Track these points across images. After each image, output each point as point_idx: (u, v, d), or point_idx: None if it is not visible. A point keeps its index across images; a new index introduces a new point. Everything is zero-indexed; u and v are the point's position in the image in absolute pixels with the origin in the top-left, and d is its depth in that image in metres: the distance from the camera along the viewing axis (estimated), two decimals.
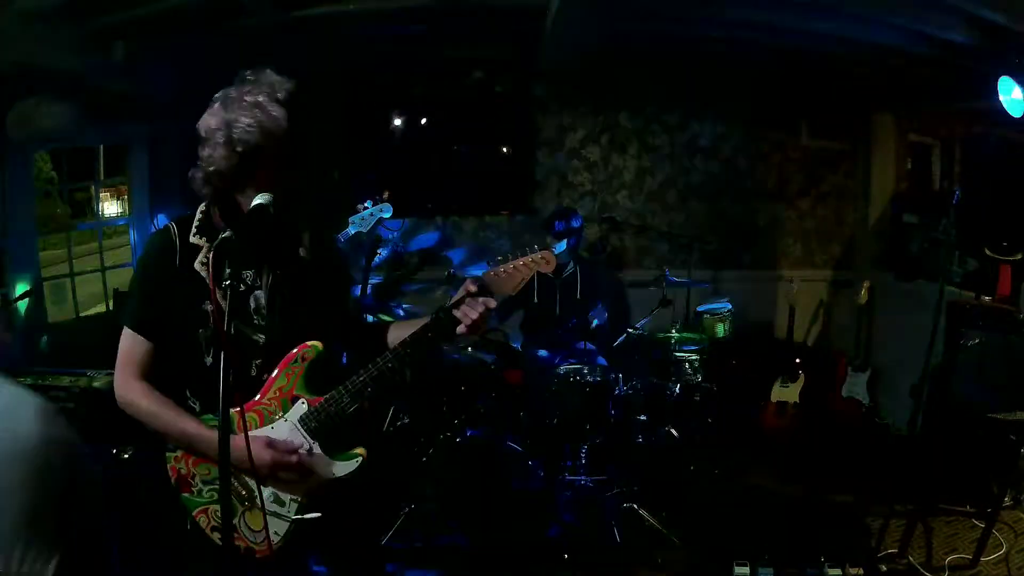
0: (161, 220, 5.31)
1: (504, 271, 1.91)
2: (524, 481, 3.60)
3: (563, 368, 4.03)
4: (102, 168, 5.41)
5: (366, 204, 3.73)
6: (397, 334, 2.02)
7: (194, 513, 1.87)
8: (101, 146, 5.22)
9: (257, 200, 1.66)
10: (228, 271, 1.52)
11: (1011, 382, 3.82)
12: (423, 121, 6.04)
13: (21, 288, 4.37)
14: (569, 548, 3.64)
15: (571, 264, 4.80)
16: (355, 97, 5.72)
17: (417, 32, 4.87)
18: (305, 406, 1.86)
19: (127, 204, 5.75)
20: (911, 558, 3.46)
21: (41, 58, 3.77)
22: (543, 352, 4.61)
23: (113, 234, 7.50)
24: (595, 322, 4.54)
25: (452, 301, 1.91)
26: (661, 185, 6.25)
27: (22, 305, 4.53)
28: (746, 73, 6.09)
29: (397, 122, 6.03)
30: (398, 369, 1.86)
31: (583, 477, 4.07)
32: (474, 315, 1.87)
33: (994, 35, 3.82)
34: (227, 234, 1.57)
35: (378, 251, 5.09)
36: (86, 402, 3.28)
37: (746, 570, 3.28)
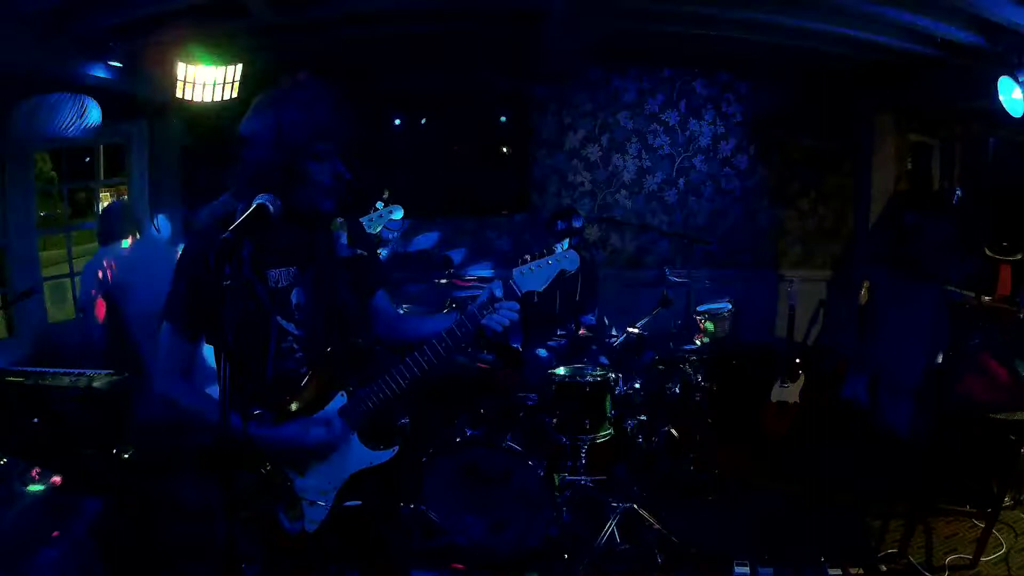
0: (160, 220, 5.31)
1: (531, 268, 1.96)
2: (524, 481, 3.60)
3: (563, 368, 4.03)
4: (102, 168, 5.41)
5: (376, 205, 3.74)
6: (425, 326, 2.07)
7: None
8: (101, 146, 5.22)
9: (258, 200, 1.70)
10: (228, 271, 1.53)
11: (1011, 382, 3.83)
12: (423, 121, 6.04)
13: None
14: (569, 548, 3.64)
15: None
16: (355, 97, 5.71)
17: (417, 32, 4.87)
18: (344, 398, 1.93)
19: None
20: (911, 558, 3.46)
21: (41, 58, 3.77)
22: (543, 352, 4.61)
23: None
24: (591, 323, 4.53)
25: (481, 302, 1.95)
26: (661, 185, 6.25)
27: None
28: (746, 73, 6.10)
29: (397, 122, 6.03)
30: (434, 362, 1.91)
31: (583, 477, 4.07)
32: (504, 323, 1.93)
33: (994, 35, 3.83)
34: (227, 235, 1.57)
35: (378, 251, 5.09)
36: (86, 402, 3.28)
37: (746, 570, 3.28)
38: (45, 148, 5.20)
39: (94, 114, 4.10)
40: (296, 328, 1.90)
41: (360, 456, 1.95)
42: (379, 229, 3.80)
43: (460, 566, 3.56)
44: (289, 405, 1.90)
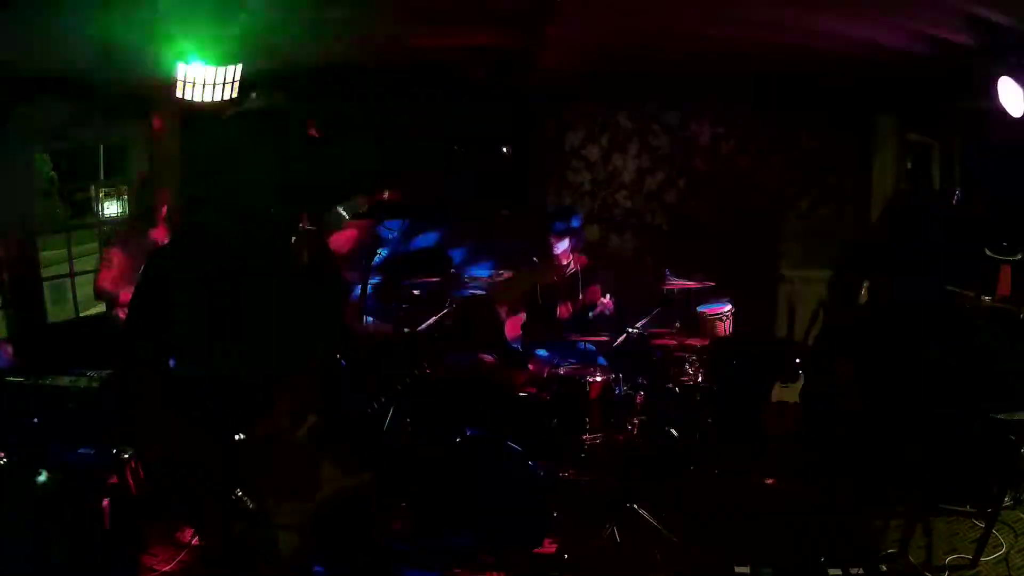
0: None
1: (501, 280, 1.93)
2: (523, 480, 3.60)
3: (563, 368, 4.03)
4: (102, 168, 5.41)
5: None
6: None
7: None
8: (101, 146, 5.22)
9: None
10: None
11: (1011, 382, 3.83)
12: (423, 121, 6.04)
13: None
14: (569, 548, 3.64)
15: (571, 264, 4.81)
16: (354, 97, 5.71)
17: (418, 31, 4.87)
18: (314, 417, 1.91)
19: (127, 204, 5.75)
20: (911, 558, 3.46)
21: (41, 58, 3.77)
22: (543, 352, 4.61)
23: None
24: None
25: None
26: (661, 185, 6.25)
27: None
28: (746, 73, 6.09)
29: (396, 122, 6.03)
30: (404, 391, 1.89)
31: (583, 477, 4.08)
32: None
33: (994, 35, 3.82)
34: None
35: (378, 251, 5.08)
36: (86, 402, 3.28)
37: (746, 570, 3.28)
38: (45, 148, 5.20)
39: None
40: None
41: (332, 477, 1.94)
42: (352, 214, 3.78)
43: (459, 569, 3.56)
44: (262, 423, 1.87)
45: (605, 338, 4.43)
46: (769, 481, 4.52)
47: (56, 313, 5.18)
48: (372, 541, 2.12)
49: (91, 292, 5.66)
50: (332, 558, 2.07)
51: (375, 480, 2.00)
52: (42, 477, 2.81)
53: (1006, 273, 4.28)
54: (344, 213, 3.75)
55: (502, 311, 5.03)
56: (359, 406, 3.79)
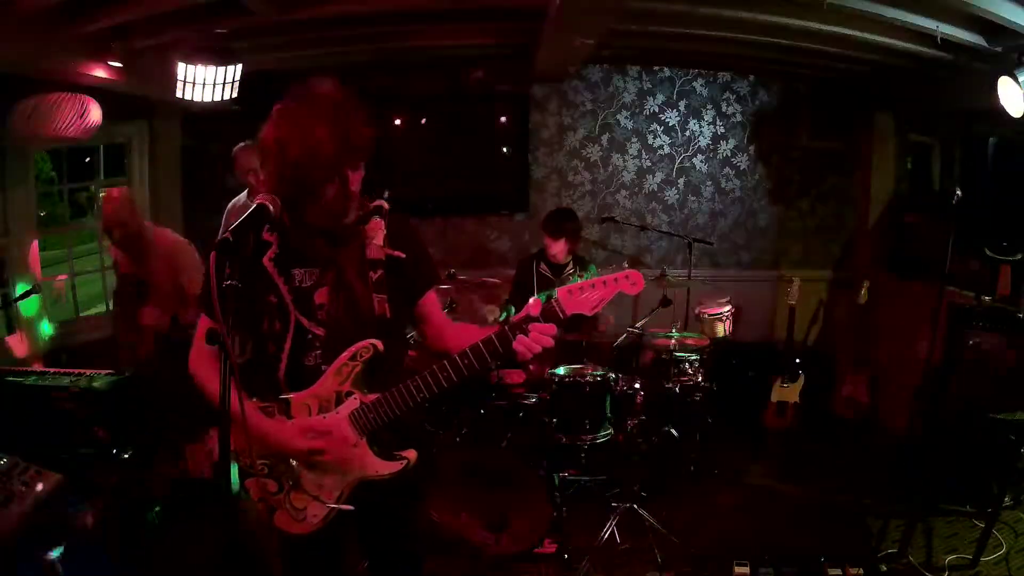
0: None
1: (580, 289, 1.78)
2: (524, 481, 3.60)
3: (563, 368, 4.03)
4: (102, 168, 5.41)
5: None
6: (459, 338, 2.00)
7: (245, 482, 1.95)
8: (101, 146, 5.22)
9: (258, 200, 1.69)
10: (228, 271, 1.53)
11: (1011, 382, 3.83)
12: (423, 121, 6.04)
13: (22, 288, 4.37)
14: (569, 548, 3.64)
15: (571, 264, 4.81)
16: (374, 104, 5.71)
17: (418, 32, 4.87)
18: (357, 402, 1.91)
19: None
20: (911, 558, 3.46)
21: (41, 58, 3.76)
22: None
23: None
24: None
25: (516, 319, 1.84)
26: (662, 186, 6.25)
27: (26, 305, 4.54)
28: (746, 73, 6.10)
29: (397, 122, 6.03)
30: (454, 379, 1.87)
31: (583, 477, 4.08)
32: (535, 350, 1.80)
33: (994, 35, 3.82)
34: (226, 235, 1.57)
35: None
36: (86, 402, 3.28)
37: (746, 570, 3.28)
38: (45, 148, 5.19)
39: (94, 114, 4.10)
40: (318, 327, 1.90)
41: (366, 463, 1.92)
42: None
43: (459, 568, 3.57)
44: (305, 399, 1.91)
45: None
46: (769, 481, 4.52)
47: (56, 313, 5.19)
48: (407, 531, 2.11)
49: (91, 292, 5.68)
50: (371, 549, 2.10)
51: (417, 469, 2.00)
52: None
53: (1006, 273, 4.28)
54: None
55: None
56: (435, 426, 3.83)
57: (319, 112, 1.74)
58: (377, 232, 1.95)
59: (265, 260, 1.89)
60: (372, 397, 1.91)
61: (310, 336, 1.90)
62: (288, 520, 1.94)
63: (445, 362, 1.87)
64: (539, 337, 1.79)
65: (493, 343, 1.82)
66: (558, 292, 1.78)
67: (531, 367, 4.32)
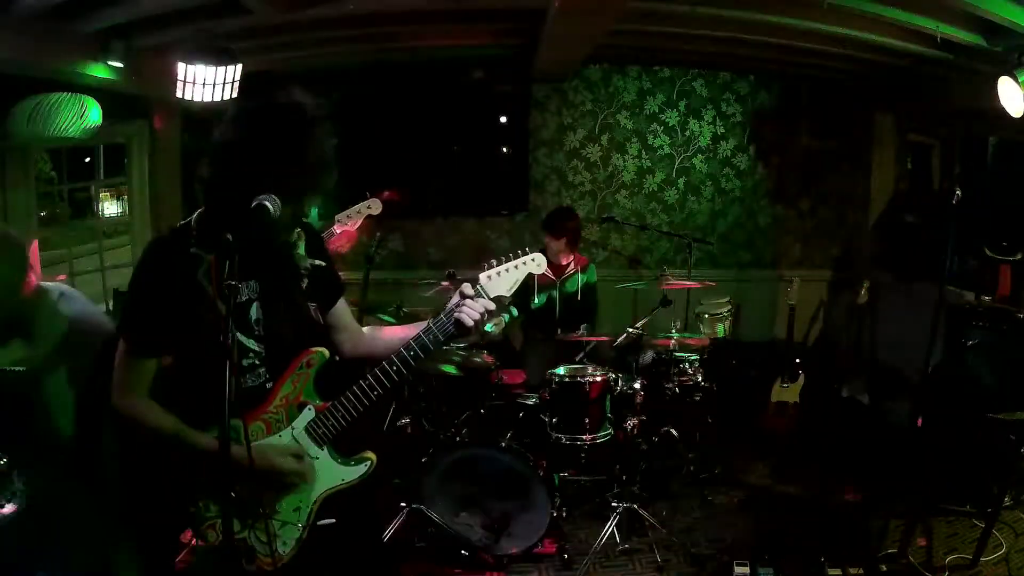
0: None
1: (497, 273, 1.95)
2: (524, 481, 3.60)
3: (563, 368, 4.03)
4: (102, 168, 5.41)
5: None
6: (396, 337, 2.04)
7: (203, 527, 1.84)
8: (101, 146, 5.22)
9: (259, 200, 1.63)
10: (228, 271, 1.52)
11: (1011, 382, 3.83)
12: (423, 121, 6.04)
13: None
14: (568, 548, 3.64)
15: (571, 265, 4.81)
16: (354, 96, 5.71)
17: (418, 32, 4.87)
18: (312, 412, 1.88)
19: (127, 204, 5.75)
20: (911, 558, 3.46)
21: (41, 58, 3.76)
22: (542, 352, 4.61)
23: (113, 234, 7.51)
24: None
25: (450, 305, 1.93)
26: (661, 185, 6.26)
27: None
28: (746, 73, 6.10)
29: (396, 122, 6.03)
30: (403, 372, 1.88)
31: (583, 477, 4.07)
32: (475, 316, 1.89)
33: (994, 35, 3.82)
34: (229, 235, 1.55)
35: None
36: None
37: (746, 570, 3.28)
38: (45, 148, 5.19)
39: (94, 114, 4.10)
40: (256, 344, 1.85)
41: (332, 473, 1.90)
42: (359, 226, 3.78)
43: (459, 568, 3.57)
44: (254, 421, 1.83)
45: (605, 337, 4.43)
46: (769, 481, 4.52)
47: None
48: (374, 539, 2.09)
49: (91, 292, 5.66)
50: (333, 556, 2.04)
51: (378, 478, 1.96)
52: None
53: (1006, 273, 4.28)
54: (346, 213, 3.74)
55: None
56: (437, 429, 3.82)
57: (283, 121, 1.69)
58: (299, 241, 1.94)
59: (199, 276, 1.78)
60: (325, 405, 1.88)
61: (251, 353, 1.84)
62: (254, 551, 1.83)
63: (393, 356, 1.88)
64: (473, 304, 1.89)
65: (432, 330, 1.90)
66: (480, 277, 1.94)
67: (502, 375, 4.29)
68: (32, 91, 3.96)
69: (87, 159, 5.45)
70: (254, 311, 1.85)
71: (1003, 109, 3.80)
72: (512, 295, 2.00)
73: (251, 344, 1.85)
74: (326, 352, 1.89)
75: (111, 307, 5.39)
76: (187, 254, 1.79)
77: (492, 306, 1.92)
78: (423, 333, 1.90)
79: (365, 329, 2.19)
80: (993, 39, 3.86)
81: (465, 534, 3.58)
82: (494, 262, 1.96)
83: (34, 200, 4.84)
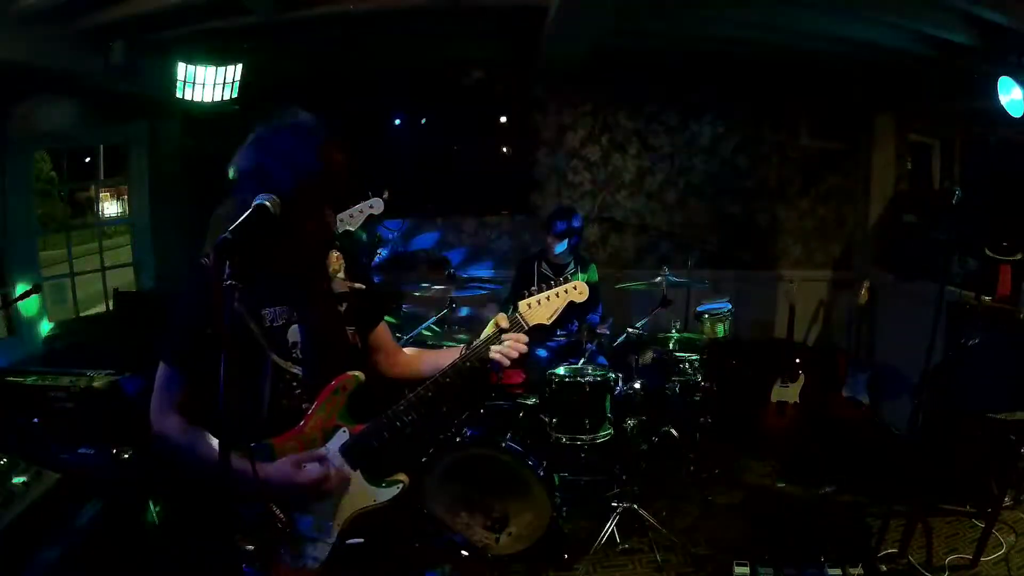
0: None
1: (537, 302, 1.97)
2: (524, 481, 3.60)
3: (563, 368, 4.03)
4: (102, 168, 5.41)
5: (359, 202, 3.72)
6: (433, 362, 2.07)
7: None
8: (101, 146, 5.22)
9: (258, 200, 1.62)
10: (228, 271, 1.51)
11: (1011, 382, 3.82)
12: (423, 121, 6.04)
13: (22, 288, 4.37)
14: (569, 548, 3.64)
15: (572, 264, 4.81)
16: (354, 96, 5.72)
17: (417, 32, 4.87)
18: (347, 435, 1.89)
19: (127, 204, 5.76)
20: (911, 558, 3.46)
21: (41, 58, 3.76)
22: (543, 352, 4.61)
23: (113, 234, 7.51)
24: (595, 322, 4.53)
25: (485, 334, 1.95)
26: (661, 185, 6.25)
27: (27, 305, 4.54)
28: (746, 73, 6.10)
29: (397, 122, 6.03)
30: (438, 398, 1.91)
31: (583, 477, 4.07)
32: (514, 354, 1.93)
33: (994, 35, 3.83)
34: (226, 235, 1.55)
35: (378, 251, 5.07)
36: (86, 402, 3.27)
37: (746, 570, 3.28)
38: (45, 148, 5.20)
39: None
40: (294, 366, 1.87)
41: (363, 494, 1.90)
42: (360, 225, 3.78)
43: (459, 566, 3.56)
44: (287, 442, 1.85)
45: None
46: (769, 481, 4.52)
47: (56, 313, 5.18)
48: (400, 560, 2.08)
49: (91, 292, 5.67)
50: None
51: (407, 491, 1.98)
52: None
53: (1006, 273, 4.28)
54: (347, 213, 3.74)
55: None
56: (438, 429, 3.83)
57: (304, 143, 1.73)
58: (337, 264, 1.96)
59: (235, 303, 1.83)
60: (359, 428, 1.89)
61: (287, 376, 1.86)
62: (283, 565, 1.84)
63: (428, 382, 1.92)
64: (514, 344, 1.94)
65: (468, 359, 1.93)
66: (520, 306, 1.96)
67: (502, 374, 4.29)
68: (33, 90, 3.97)
69: (87, 159, 5.46)
70: (291, 334, 1.88)
71: (1003, 109, 3.80)
72: (514, 296, 2.01)
73: (289, 367, 1.87)
74: (361, 376, 1.91)
75: (111, 307, 5.40)
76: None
77: (525, 341, 1.93)
78: (459, 361, 1.94)
79: (406, 350, 2.22)
80: (993, 39, 3.86)
81: (465, 534, 3.58)
82: (534, 289, 1.98)
83: (34, 200, 4.85)
